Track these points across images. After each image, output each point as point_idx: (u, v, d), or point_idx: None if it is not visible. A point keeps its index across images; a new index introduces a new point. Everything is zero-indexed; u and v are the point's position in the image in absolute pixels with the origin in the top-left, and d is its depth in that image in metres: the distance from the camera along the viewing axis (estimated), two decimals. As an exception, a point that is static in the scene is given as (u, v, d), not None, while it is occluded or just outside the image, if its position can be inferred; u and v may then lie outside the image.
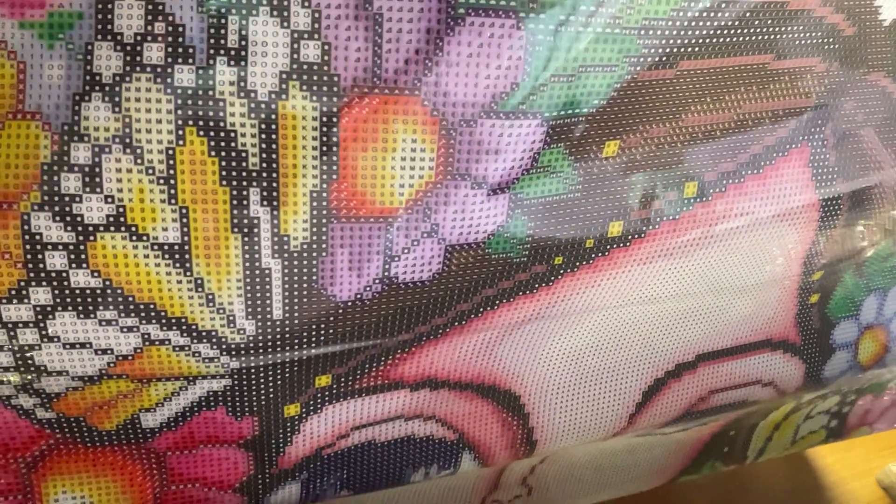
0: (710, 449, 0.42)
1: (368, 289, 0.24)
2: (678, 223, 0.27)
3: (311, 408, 0.26)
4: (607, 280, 0.28)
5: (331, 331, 0.24)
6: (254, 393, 0.25)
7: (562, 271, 0.27)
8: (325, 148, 0.21)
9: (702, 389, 0.36)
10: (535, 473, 0.37)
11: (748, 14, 0.24)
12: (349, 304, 0.24)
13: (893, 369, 0.43)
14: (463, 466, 0.32)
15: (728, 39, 0.24)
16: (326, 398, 0.27)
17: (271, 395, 0.25)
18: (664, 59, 0.24)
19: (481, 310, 0.26)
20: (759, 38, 0.25)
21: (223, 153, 0.21)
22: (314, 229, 0.23)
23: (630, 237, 0.27)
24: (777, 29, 0.25)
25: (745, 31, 0.24)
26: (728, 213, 0.28)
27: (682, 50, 0.24)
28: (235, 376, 0.24)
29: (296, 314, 0.24)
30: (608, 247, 0.27)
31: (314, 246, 0.23)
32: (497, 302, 0.26)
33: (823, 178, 0.30)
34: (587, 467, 0.39)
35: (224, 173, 0.21)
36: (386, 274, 0.24)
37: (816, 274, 0.35)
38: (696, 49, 0.24)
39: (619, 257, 0.27)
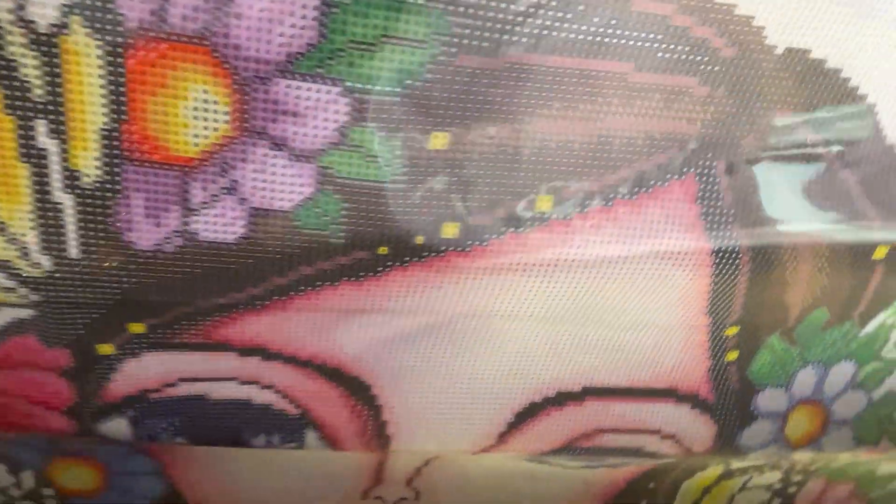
0: (625, 496, 0.38)
1: (168, 241, 0.23)
2: (528, 238, 0.24)
3: (128, 351, 0.25)
4: (451, 284, 0.25)
5: (134, 279, 0.23)
6: (60, 327, 0.24)
7: (389, 263, 0.24)
8: (112, 87, 0.20)
9: (587, 425, 0.32)
10: (421, 476, 0.35)
11: (582, 8, 0.20)
12: (150, 254, 0.23)
13: (859, 455, 0.37)
14: (309, 443, 0.29)
15: (561, 35, 0.21)
16: (144, 345, 0.25)
17: (81, 332, 0.24)
18: (485, 45, 0.21)
19: (302, 288, 0.24)
20: (602, 40, 0.21)
21: (5, 82, 0.20)
22: (106, 168, 0.21)
23: (469, 243, 0.24)
24: (624, 33, 0.21)
25: (581, 27, 0.21)
26: (592, 239, 0.24)
27: (506, 38, 0.21)
28: (38, 308, 0.23)
29: (94, 256, 0.22)
30: (443, 248, 0.24)
31: (108, 186, 0.21)
32: (319, 283, 0.24)
33: (716, 221, 0.25)
34: (482, 486, 0.36)
35: (8, 101, 0.20)
36: (185, 227, 0.22)
37: (731, 329, 0.30)
38: (524, 40, 0.21)
39: (460, 263, 0.24)
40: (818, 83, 0.23)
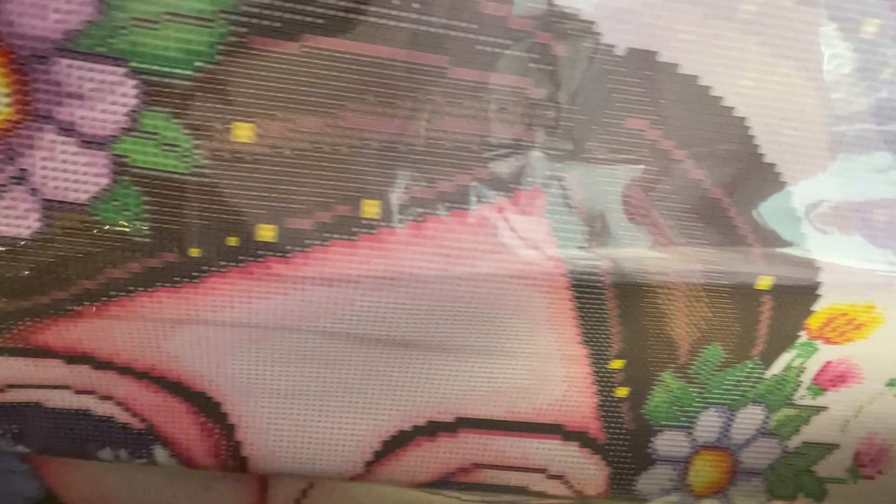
0: None
1: (-40, 234, 0.21)
2: (355, 247, 0.22)
3: (-54, 350, 0.24)
4: (277, 295, 0.23)
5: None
6: None
7: (205, 268, 0.22)
8: None
9: (463, 459, 0.29)
10: (308, 499, 0.32)
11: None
12: (-58, 245, 0.21)
13: None
14: (160, 459, 0.27)
15: (357, 17, 0.19)
16: (-38, 346, 0.24)
17: None
18: (280, 26, 0.19)
19: (114, 293, 0.22)
20: (416, 28, 0.19)
21: None
22: None
23: (289, 249, 0.22)
24: (428, 19, 0.19)
25: (379, 10, 0.19)
26: (429, 251, 0.22)
27: (302, 19, 0.19)
28: None
29: None
30: (261, 252, 0.22)
31: None
32: (131, 288, 0.22)
33: (569, 238, 0.23)
34: None
35: None
36: (-23, 219, 0.21)
37: (615, 362, 0.28)
38: (322, 22, 0.19)
39: (283, 271, 0.22)
40: (672, 90, 0.21)
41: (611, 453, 0.30)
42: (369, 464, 0.29)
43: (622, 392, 0.29)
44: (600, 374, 0.28)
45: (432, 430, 0.28)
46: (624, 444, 0.30)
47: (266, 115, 0.20)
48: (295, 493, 0.33)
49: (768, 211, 0.24)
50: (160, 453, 0.27)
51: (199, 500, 0.33)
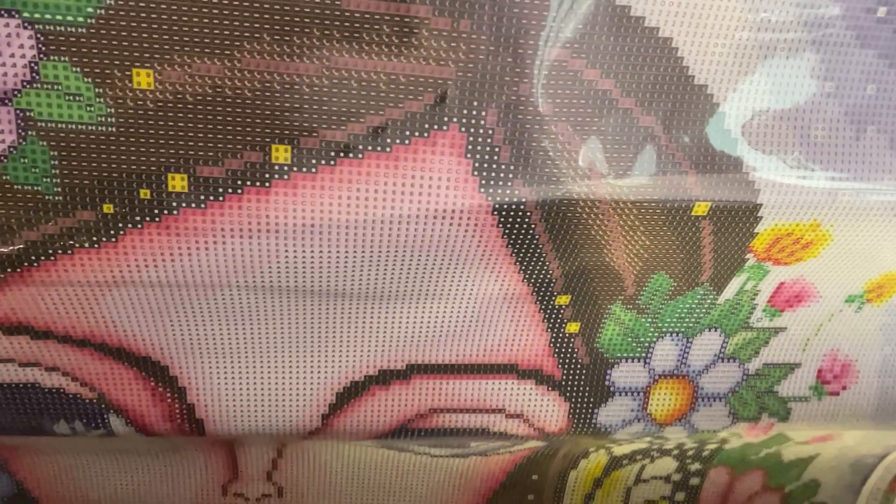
0: (509, 492, 0.35)
1: None
2: (269, 193, 0.21)
3: None
4: (199, 250, 0.22)
5: None
6: None
7: (121, 225, 0.21)
8: None
9: (419, 405, 0.29)
10: (280, 471, 0.32)
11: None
12: None
13: (740, 433, 0.33)
14: (116, 428, 0.27)
15: None
16: None
17: None
18: None
19: (34, 258, 0.22)
20: None
21: None
22: None
23: (202, 198, 0.21)
24: None
25: None
26: (347, 197, 0.22)
27: None
28: None
29: None
30: (174, 204, 0.21)
31: None
32: (52, 251, 0.22)
33: (493, 178, 0.22)
34: (348, 480, 0.33)
35: None
36: None
37: (561, 298, 0.27)
38: None
39: (199, 223, 0.22)
40: (589, 12, 0.20)
41: (568, 389, 0.29)
42: (325, 417, 0.28)
43: (573, 327, 0.28)
44: (548, 311, 0.27)
45: (385, 378, 0.28)
46: (581, 378, 0.29)
47: (164, 60, 0.19)
48: (265, 465, 0.32)
49: (702, 135, 0.23)
50: (115, 422, 0.27)
51: (170, 482, 0.33)
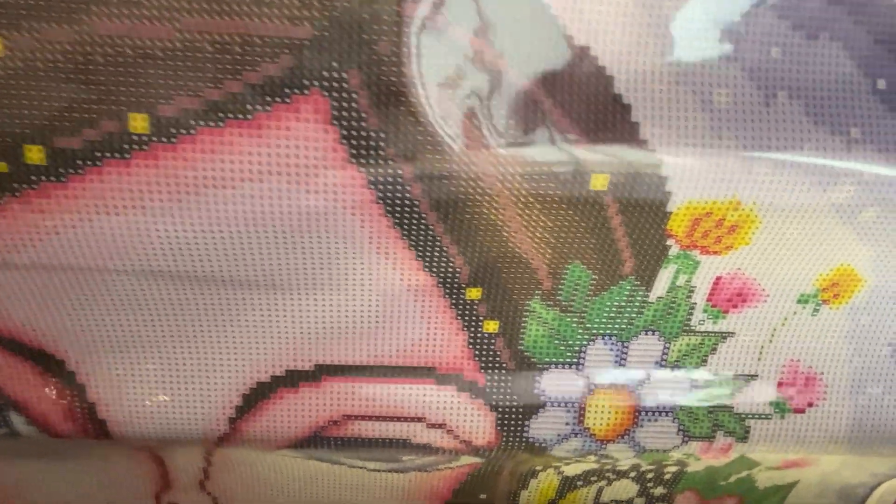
0: None
1: None
2: (129, 165, 0.21)
3: None
4: (68, 228, 0.22)
5: None
6: None
7: (-11, 199, 0.21)
8: None
9: (332, 410, 0.27)
10: (212, 480, 0.31)
11: None
12: None
13: (695, 454, 0.30)
14: (19, 427, 0.26)
15: None
16: None
17: None
18: None
19: None
20: None
21: None
22: None
23: (62, 171, 0.21)
24: None
25: None
26: (210, 168, 0.21)
27: None
28: None
29: None
30: (34, 177, 0.21)
31: None
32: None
33: (364, 147, 0.21)
34: (283, 493, 0.31)
35: None
36: None
37: (471, 291, 0.25)
38: None
39: (63, 199, 0.21)
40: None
41: (493, 396, 0.27)
42: (233, 421, 0.27)
43: (491, 326, 0.26)
44: (460, 307, 0.26)
45: (293, 379, 0.26)
46: (506, 385, 0.27)
47: (12, 26, 0.19)
48: (196, 473, 0.31)
49: (592, 100, 0.21)
50: (17, 420, 0.26)
51: (105, 490, 0.31)
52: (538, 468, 0.31)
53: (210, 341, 0.25)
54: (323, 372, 0.26)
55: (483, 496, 0.32)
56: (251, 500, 0.31)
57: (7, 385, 0.25)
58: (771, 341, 0.27)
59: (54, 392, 0.26)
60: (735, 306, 0.26)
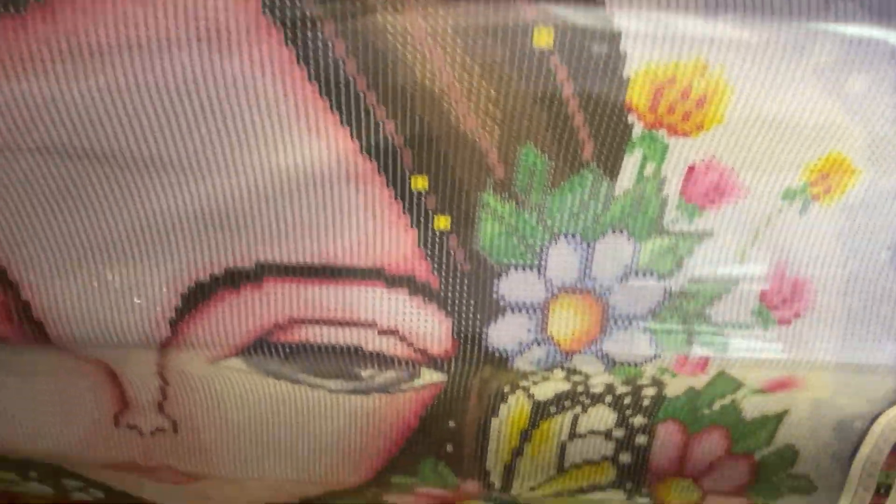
0: (425, 439, 0.31)
1: None
2: (25, 21, 0.19)
3: None
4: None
5: None
6: None
7: None
8: None
9: (276, 313, 0.26)
10: (170, 401, 0.29)
11: None
12: None
13: (671, 374, 0.28)
14: (-44, 331, 0.25)
15: None
16: None
17: None
18: None
19: None
20: None
21: None
22: None
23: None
24: None
25: None
26: (114, 27, 0.19)
27: None
28: None
29: None
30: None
31: None
32: None
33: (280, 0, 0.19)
34: (244, 417, 0.30)
35: None
36: None
37: (417, 180, 0.23)
38: None
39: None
40: None
41: (448, 301, 0.25)
42: (174, 323, 0.25)
43: (442, 222, 0.24)
44: (406, 199, 0.24)
45: (233, 279, 0.25)
46: (462, 288, 0.25)
47: None
48: (154, 394, 0.30)
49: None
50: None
51: (63, 408, 0.30)
52: (506, 390, 0.29)
53: (137, 232, 0.24)
54: (264, 271, 0.24)
55: (452, 423, 0.30)
56: (212, 425, 0.30)
57: (-60, 280, 0.24)
58: (754, 243, 0.25)
59: (-12, 290, 0.25)
60: (712, 202, 0.24)
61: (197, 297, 0.25)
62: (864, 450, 0.29)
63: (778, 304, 0.25)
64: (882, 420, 0.28)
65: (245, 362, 0.27)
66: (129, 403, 0.29)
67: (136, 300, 0.24)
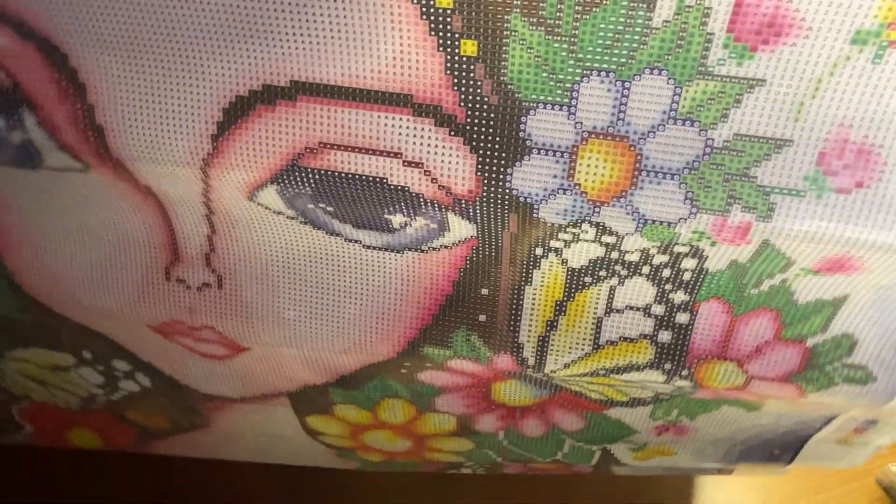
0: (455, 308, 0.31)
1: None
2: None
3: None
4: None
5: None
6: None
7: None
8: None
9: (308, 135, 0.27)
10: (217, 254, 0.32)
11: None
12: None
13: (698, 227, 0.26)
14: (31, 129, 0.28)
15: None
16: None
17: None
18: None
19: None
20: None
21: None
22: None
23: None
24: None
25: None
26: None
27: None
28: None
29: None
30: None
31: None
32: None
33: None
34: (282, 272, 0.32)
35: None
36: None
37: (443, -4, 0.23)
38: None
39: None
40: None
41: (474, 135, 0.25)
42: (216, 138, 0.27)
43: (469, 48, 0.24)
44: (432, 17, 0.23)
45: (270, 96, 0.26)
46: (488, 123, 0.25)
47: None
48: (202, 243, 0.32)
49: None
50: (29, 121, 0.28)
51: (118, 259, 0.33)
52: (538, 252, 0.28)
53: (190, 43, 0.25)
54: (298, 90, 0.25)
55: (485, 291, 0.30)
56: (254, 281, 0.31)
57: (23, 78, 0.27)
58: (814, 96, 0.22)
59: (60, 89, 0.27)
60: (766, 42, 0.22)
61: (236, 113, 0.26)
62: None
63: (837, 171, 0.23)
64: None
65: (280, 194, 0.28)
66: (180, 254, 0.31)
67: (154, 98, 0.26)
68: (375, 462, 0.43)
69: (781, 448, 0.39)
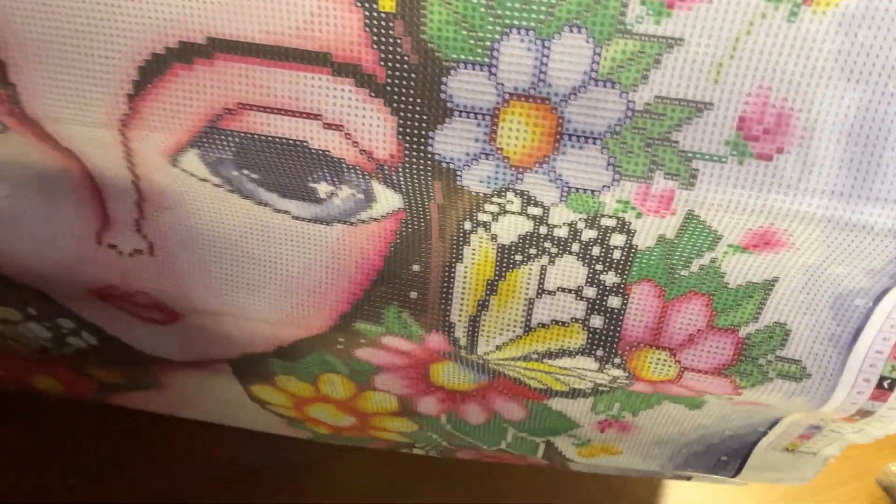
0: (388, 284, 0.31)
1: None
2: None
3: None
4: None
5: None
6: None
7: None
8: None
9: (227, 95, 0.26)
10: (147, 220, 0.31)
11: None
12: None
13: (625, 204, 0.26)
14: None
15: None
16: None
17: None
18: None
19: None
20: None
21: None
22: None
23: None
24: None
25: None
26: None
27: None
28: None
29: None
30: None
31: None
32: None
33: None
34: (212, 245, 0.31)
35: None
36: None
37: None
38: None
39: None
40: None
41: (395, 96, 0.24)
42: (132, 98, 0.26)
43: (388, 3, 0.23)
44: (349, -31, 0.23)
45: (186, 54, 0.25)
46: (409, 83, 0.24)
47: None
48: (130, 207, 0.31)
49: None
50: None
51: (50, 224, 0.32)
52: (467, 227, 0.28)
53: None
54: (216, 47, 0.25)
55: (416, 267, 0.29)
56: (185, 250, 0.31)
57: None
58: (732, 56, 0.22)
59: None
60: (681, -1, 0.22)
61: (152, 71, 0.25)
62: (867, 334, 0.26)
63: (758, 135, 0.23)
64: (888, 301, 0.25)
65: (202, 159, 0.27)
66: (109, 219, 0.30)
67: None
68: (325, 434, 0.42)
69: (728, 454, 0.38)
